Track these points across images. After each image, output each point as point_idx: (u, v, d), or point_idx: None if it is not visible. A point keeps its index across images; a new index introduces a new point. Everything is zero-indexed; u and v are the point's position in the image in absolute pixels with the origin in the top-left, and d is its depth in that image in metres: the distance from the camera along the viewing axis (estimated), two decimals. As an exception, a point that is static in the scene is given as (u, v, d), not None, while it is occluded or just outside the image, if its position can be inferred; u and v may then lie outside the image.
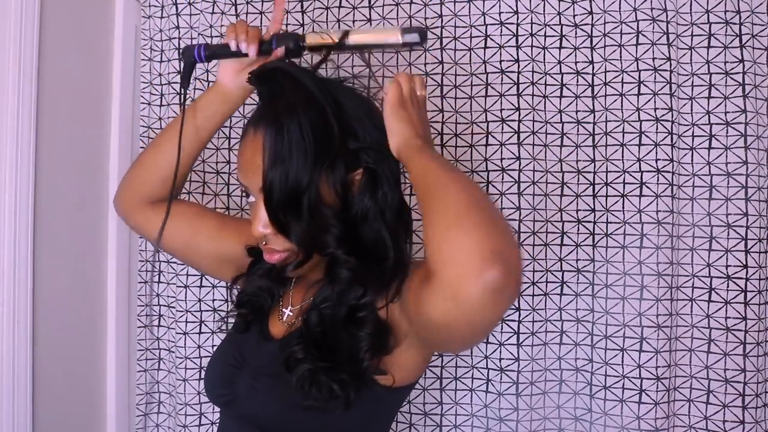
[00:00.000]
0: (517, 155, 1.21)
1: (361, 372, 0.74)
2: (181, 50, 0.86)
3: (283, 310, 0.88)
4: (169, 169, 0.88)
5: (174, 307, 1.36)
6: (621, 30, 1.19)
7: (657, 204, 1.15)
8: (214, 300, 1.33)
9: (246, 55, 0.83)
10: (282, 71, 0.77)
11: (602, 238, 1.20)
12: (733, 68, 1.15)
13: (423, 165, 0.70)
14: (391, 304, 0.76)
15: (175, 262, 1.36)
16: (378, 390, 0.76)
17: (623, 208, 1.18)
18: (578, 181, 1.22)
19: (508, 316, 1.22)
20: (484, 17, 1.24)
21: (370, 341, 0.74)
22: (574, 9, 1.22)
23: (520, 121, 1.21)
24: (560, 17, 1.22)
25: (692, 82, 1.18)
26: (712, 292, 1.16)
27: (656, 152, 1.16)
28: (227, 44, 0.83)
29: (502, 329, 1.22)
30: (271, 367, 0.78)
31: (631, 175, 1.18)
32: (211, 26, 1.33)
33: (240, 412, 0.82)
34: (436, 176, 0.67)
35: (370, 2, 1.29)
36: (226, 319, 0.96)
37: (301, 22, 1.32)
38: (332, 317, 0.77)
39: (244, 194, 1.32)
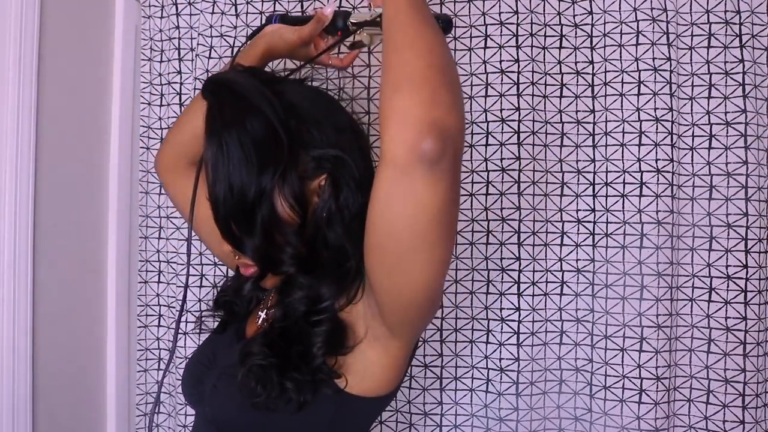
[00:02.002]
0: (517, 155, 1.21)
1: (313, 371, 0.72)
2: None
3: (259, 313, 0.87)
4: (200, 126, 0.87)
5: (174, 307, 1.36)
6: (621, 30, 1.19)
7: (657, 204, 1.15)
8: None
9: (308, 19, 0.86)
10: (222, 83, 0.74)
11: (602, 238, 1.20)
12: (733, 68, 1.15)
13: (395, 8, 0.65)
14: (351, 305, 0.74)
15: (174, 262, 1.36)
16: (333, 395, 0.73)
17: (623, 208, 1.18)
18: (578, 181, 1.22)
19: (508, 316, 1.22)
20: (484, 17, 1.24)
21: (325, 338, 0.73)
22: (574, 9, 1.22)
23: (520, 121, 1.21)
24: (560, 17, 1.22)
25: (692, 82, 1.18)
26: (712, 292, 1.16)
27: (656, 152, 1.16)
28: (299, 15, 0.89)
29: (502, 329, 1.22)
30: (235, 367, 0.77)
31: (631, 175, 1.18)
32: (211, 26, 1.33)
33: (205, 412, 0.81)
34: (403, 28, 0.63)
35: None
36: (201, 320, 0.95)
37: (301, 22, 1.32)
38: (293, 315, 0.76)
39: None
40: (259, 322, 0.86)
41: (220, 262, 1.34)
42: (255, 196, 0.70)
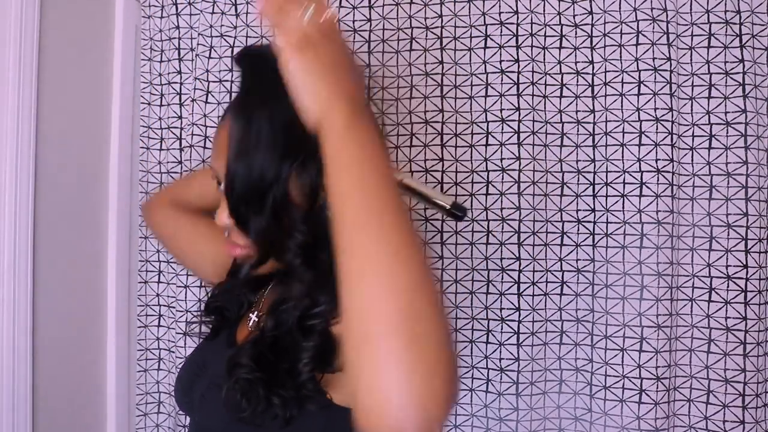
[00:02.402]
0: (517, 155, 1.21)
1: (297, 387, 0.69)
2: None
3: (250, 315, 0.85)
4: (211, 197, 0.86)
5: (174, 307, 1.36)
6: (621, 30, 1.19)
7: (657, 204, 1.15)
8: (214, 300, 1.33)
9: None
10: (265, 58, 0.68)
11: (602, 238, 1.20)
12: (733, 68, 1.15)
13: (345, 181, 0.53)
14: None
15: (175, 262, 1.36)
16: (320, 409, 0.70)
17: (623, 208, 1.18)
18: (578, 181, 1.22)
19: (508, 316, 1.22)
20: (484, 17, 1.24)
21: (313, 354, 0.69)
22: (574, 9, 1.22)
23: (520, 121, 1.21)
24: (560, 17, 1.22)
25: (692, 82, 1.18)
26: (712, 292, 1.16)
27: (656, 152, 1.16)
28: None
29: (502, 329, 1.22)
30: (223, 377, 0.74)
31: (631, 175, 1.18)
32: (211, 26, 1.33)
33: (195, 421, 0.80)
34: (357, 244, 0.50)
35: (370, 2, 1.29)
36: (192, 326, 0.93)
37: (301, 22, 1.32)
38: (286, 323, 0.73)
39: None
40: (250, 324, 0.84)
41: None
42: (273, 178, 0.68)
